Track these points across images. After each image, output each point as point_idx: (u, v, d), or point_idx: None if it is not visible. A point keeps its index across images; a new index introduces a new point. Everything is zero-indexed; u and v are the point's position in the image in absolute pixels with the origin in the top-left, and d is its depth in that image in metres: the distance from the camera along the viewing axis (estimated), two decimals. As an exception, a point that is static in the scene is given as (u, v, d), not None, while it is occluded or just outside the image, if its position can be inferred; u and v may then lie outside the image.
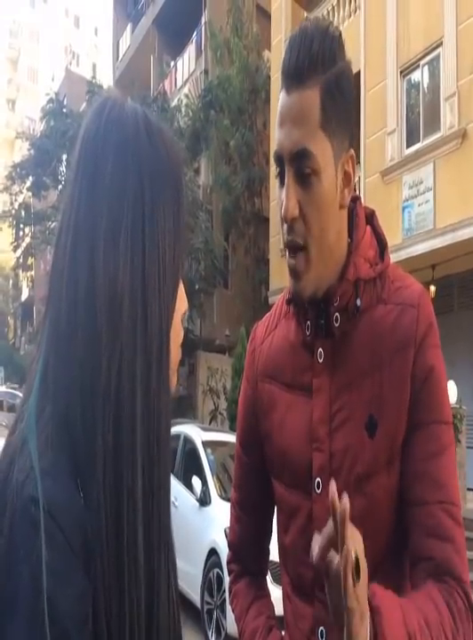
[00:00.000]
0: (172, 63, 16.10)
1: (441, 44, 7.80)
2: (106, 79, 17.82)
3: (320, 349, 0.95)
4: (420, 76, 8.30)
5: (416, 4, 8.13)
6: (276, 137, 0.90)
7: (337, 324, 0.93)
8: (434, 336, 0.92)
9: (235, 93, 12.18)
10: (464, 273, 8.05)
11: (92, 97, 15.55)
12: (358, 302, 0.92)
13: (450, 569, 0.84)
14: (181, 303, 0.67)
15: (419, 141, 8.12)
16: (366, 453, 0.90)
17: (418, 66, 8.28)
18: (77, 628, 0.50)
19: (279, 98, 0.90)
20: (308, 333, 0.97)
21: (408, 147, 8.27)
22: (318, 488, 0.93)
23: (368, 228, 0.98)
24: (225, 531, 4.90)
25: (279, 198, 0.91)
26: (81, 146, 0.62)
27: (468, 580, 0.85)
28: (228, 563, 1.15)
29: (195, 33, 14.95)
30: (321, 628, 0.93)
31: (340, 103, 0.89)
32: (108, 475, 0.55)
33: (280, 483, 1.01)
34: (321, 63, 0.86)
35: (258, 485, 1.08)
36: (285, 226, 0.90)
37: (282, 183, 0.90)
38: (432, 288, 7.60)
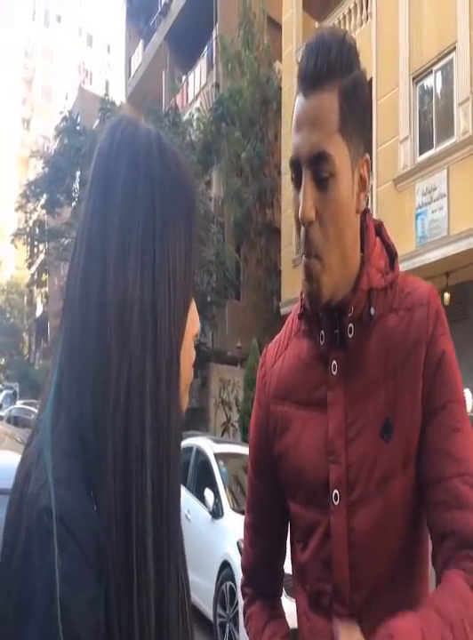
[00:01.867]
0: (184, 78, 16.30)
1: (454, 48, 7.78)
2: (118, 96, 18.06)
3: (334, 361, 0.96)
4: (433, 81, 8.28)
5: (429, 9, 8.13)
6: (293, 141, 0.90)
7: (351, 335, 0.94)
8: (443, 326, 0.93)
9: (246, 105, 12.24)
10: (480, 280, 7.93)
11: (105, 114, 15.78)
12: (372, 311, 0.93)
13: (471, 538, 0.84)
14: (193, 324, 0.67)
15: (432, 148, 8.07)
16: (383, 458, 0.91)
17: (431, 72, 8.26)
18: (90, 636, 0.52)
19: (295, 102, 0.91)
20: (322, 344, 0.97)
21: (421, 154, 8.23)
22: (336, 500, 0.94)
23: (377, 239, 0.99)
24: (238, 543, 4.83)
25: (295, 202, 0.91)
26: (94, 163, 0.63)
27: None
28: (243, 586, 1.15)
29: (206, 47, 15.16)
30: None
31: (357, 108, 0.90)
32: (118, 485, 0.56)
33: (295, 502, 1.01)
34: (339, 69, 0.87)
35: (271, 508, 1.08)
36: (302, 229, 0.90)
37: (298, 187, 0.90)
38: (447, 295, 7.49)
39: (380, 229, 1.01)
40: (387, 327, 0.94)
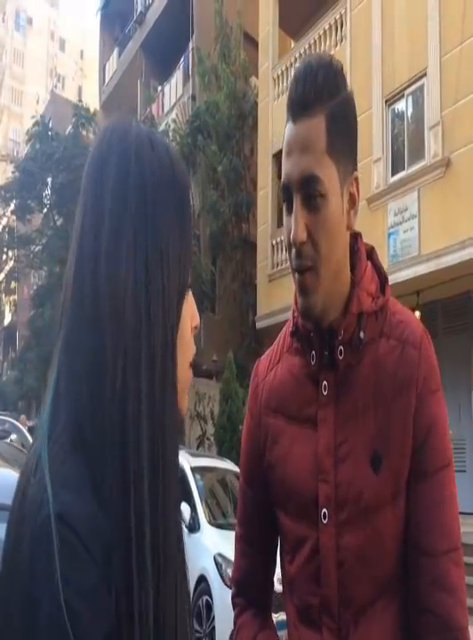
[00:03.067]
0: (160, 88, 16.27)
1: (425, 74, 8.00)
2: (92, 103, 17.91)
3: (324, 382, 0.97)
4: (405, 105, 8.49)
5: (401, 34, 8.35)
6: (284, 167, 0.93)
7: (341, 357, 0.95)
8: (435, 379, 0.95)
9: (222, 119, 12.31)
10: (448, 299, 8.17)
11: (79, 120, 15.68)
12: (362, 335, 0.95)
13: (453, 625, 0.90)
14: (192, 318, 0.66)
15: (404, 169, 8.28)
16: (372, 487, 0.92)
17: (403, 95, 8.47)
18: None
19: (286, 129, 0.93)
20: (313, 364, 0.98)
21: (393, 174, 8.43)
22: (325, 518, 0.95)
23: (368, 263, 1.00)
24: (214, 557, 4.86)
25: (287, 227, 0.93)
26: (88, 166, 0.63)
27: (468, 627, 0.91)
28: (233, 597, 1.15)
29: (182, 58, 15.12)
30: None
31: (344, 129, 0.93)
32: (116, 480, 0.55)
33: (285, 514, 1.01)
34: (327, 93, 0.90)
35: (263, 519, 1.08)
36: (293, 250, 0.92)
37: (289, 211, 0.93)
38: (417, 313, 7.69)
39: (371, 253, 1.03)
40: (377, 352, 0.95)
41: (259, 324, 10.94)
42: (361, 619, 0.94)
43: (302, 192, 0.91)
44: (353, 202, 0.96)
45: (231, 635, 3.71)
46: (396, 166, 8.44)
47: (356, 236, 1.00)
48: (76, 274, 0.60)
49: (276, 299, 10.51)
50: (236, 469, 6.10)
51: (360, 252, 1.00)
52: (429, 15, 7.80)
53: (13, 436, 6.97)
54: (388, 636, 0.95)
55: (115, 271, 0.58)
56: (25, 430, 2.57)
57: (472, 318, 8.01)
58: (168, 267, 0.61)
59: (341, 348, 0.95)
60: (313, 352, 0.98)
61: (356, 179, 0.96)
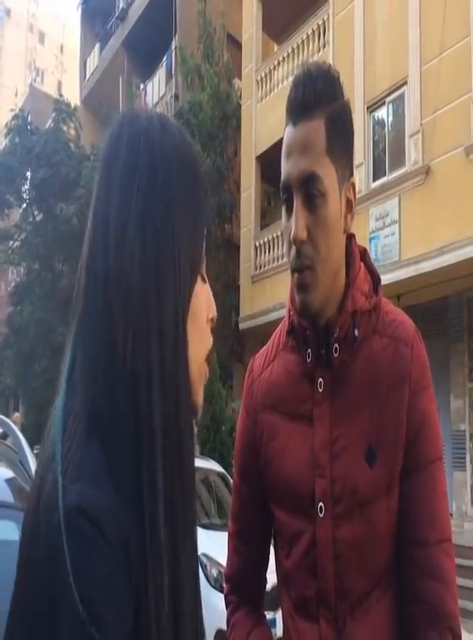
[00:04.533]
0: (142, 86, 16.20)
1: (405, 82, 8.10)
2: (72, 98, 17.73)
3: (320, 379, 0.99)
4: (386, 112, 8.62)
5: (382, 43, 8.46)
6: (284, 167, 0.95)
7: (336, 355, 0.98)
8: (426, 376, 0.98)
9: (206, 119, 12.30)
10: (427, 303, 8.34)
11: (60, 115, 15.54)
12: (356, 333, 0.97)
13: (446, 613, 0.94)
14: (209, 308, 0.65)
15: (385, 175, 8.40)
16: (367, 481, 0.95)
17: (384, 103, 8.59)
18: (119, 632, 0.50)
19: (285, 132, 0.96)
20: (309, 361, 1.01)
21: (374, 180, 8.54)
22: (321, 512, 0.97)
23: (362, 264, 1.04)
24: (199, 557, 4.91)
25: (287, 225, 0.96)
26: (101, 150, 0.63)
27: (458, 615, 0.96)
28: (227, 595, 1.16)
29: (165, 57, 15.05)
30: None
31: (343, 134, 0.96)
32: (132, 465, 0.54)
33: (281, 509, 1.03)
34: (326, 98, 0.93)
35: (257, 515, 1.10)
36: (293, 249, 0.94)
37: (289, 210, 0.95)
38: (397, 316, 7.85)
39: (364, 255, 1.05)
40: (371, 350, 0.98)
41: (242, 326, 10.97)
42: (357, 609, 0.97)
43: (303, 191, 0.93)
44: (350, 206, 0.98)
45: (216, 634, 3.79)
46: (378, 172, 8.56)
47: (350, 238, 1.03)
48: (89, 257, 0.59)
49: (259, 300, 10.59)
50: (220, 469, 6.18)
51: (354, 253, 1.03)
52: (410, 25, 7.93)
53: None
54: (383, 625, 0.98)
55: (122, 250, 0.57)
56: (17, 429, 2.55)
57: (450, 323, 8.20)
58: (179, 245, 0.60)
59: (337, 345, 0.98)
60: (309, 350, 1.00)
61: (353, 184, 0.99)
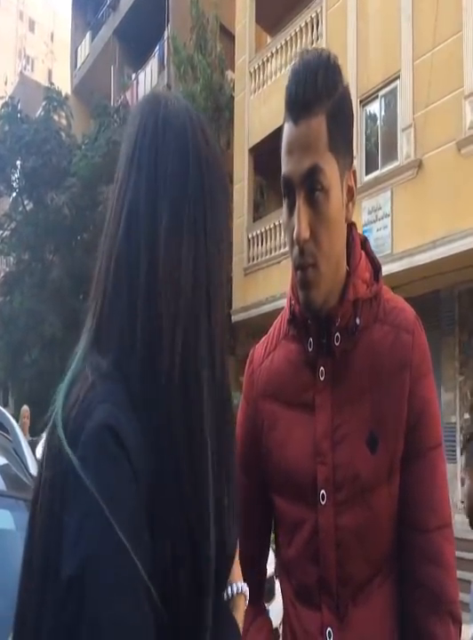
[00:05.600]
0: (134, 76, 16.08)
1: (398, 77, 8.13)
2: (63, 87, 17.57)
3: (321, 368, 1.00)
4: (379, 106, 8.66)
5: (375, 37, 8.48)
6: (285, 163, 0.94)
7: (338, 343, 0.98)
8: (427, 363, 0.99)
9: (198, 111, 12.04)
10: (420, 296, 8.37)
11: (51, 103, 15.39)
12: (358, 321, 0.97)
13: (446, 598, 0.95)
14: None
15: (377, 169, 8.45)
16: (368, 467, 0.95)
17: (377, 97, 8.63)
18: (132, 541, 0.51)
19: (285, 127, 0.94)
20: (310, 350, 1.01)
21: (367, 174, 8.58)
22: (323, 500, 0.97)
23: (362, 252, 1.03)
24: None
25: (289, 223, 0.95)
26: (138, 141, 0.63)
27: (458, 600, 0.97)
28: None
29: (157, 47, 14.95)
30: (329, 628, 0.98)
31: (343, 124, 0.95)
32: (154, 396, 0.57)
33: (282, 498, 1.03)
34: (326, 93, 0.91)
35: (257, 507, 1.10)
36: (296, 247, 0.94)
37: (291, 208, 0.95)
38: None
39: (364, 243, 1.05)
40: (372, 338, 0.98)
41: (234, 318, 10.94)
42: (359, 596, 0.97)
43: (305, 186, 0.92)
44: (351, 194, 0.98)
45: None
46: (370, 165, 8.60)
47: (350, 226, 1.02)
48: (126, 250, 0.60)
49: (252, 293, 10.61)
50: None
51: (355, 242, 1.02)
52: (403, 19, 7.96)
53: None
54: (384, 611, 0.99)
55: (176, 265, 0.59)
56: (10, 416, 2.45)
57: (441, 316, 8.26)
58: (222, 262, 0.64)
59: (338, 334, 0.97)
60: (310, 339, 1.00)
61: (354, 172, 0.98)
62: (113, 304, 0.60)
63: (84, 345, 0.62)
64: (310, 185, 0.91)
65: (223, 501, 0.62)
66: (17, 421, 3.03)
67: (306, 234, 0.91)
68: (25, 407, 8.69)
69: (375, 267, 1.04)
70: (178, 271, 0.59)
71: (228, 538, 0.63)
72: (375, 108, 8.75)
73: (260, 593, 1.17)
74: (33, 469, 2.24)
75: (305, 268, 0.94)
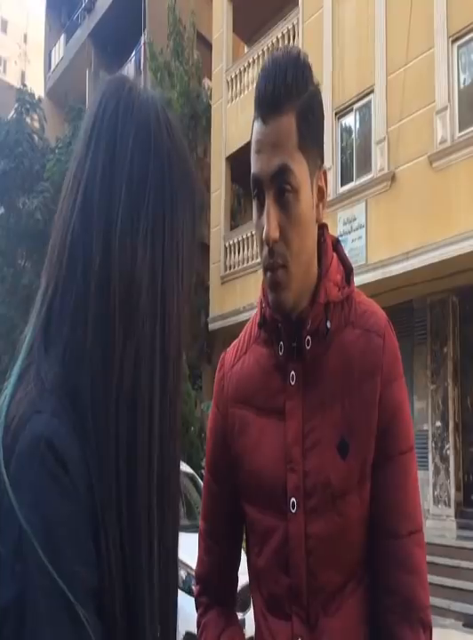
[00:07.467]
0: (109, 80, 15.95)
1: (372, 91, 8.29)
2: (36, 89, 17.37)
3: (292, 372, 0.98)
4: (354, 119, 8.81)
5: (350, 50, 8.63)
6: (254, 162, 0.92)
7: (309, 347, 0.96)
8: (398, 367, 0.97)
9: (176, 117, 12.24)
10: (393, 306, 8.52)
11: (23, 105, 15.18)
12: (328, 324, 0.96)
13: (417, 604, 0.94)
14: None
15: (352, 181, 8.59)
16: (339, 473, 0.94)
17: (351, 109, 8.77)
18: (84, 567, 0.49)
19: (254, 126, 0.93)
20: (281, 354, 0.99)
21: (342, 185, 8.72)
22: (293, 508, 0.95)
23: (334, 254, 1.02)
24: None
25: (258, 222, 0.93)
26: (96, 116, 0.59)
27: (429, 605, 0.97)
28: (197, 596, 1.13)
29: (134, 52, 14.91)
30: (299, 639, 0.97)
31: (313, 123, 0.93)
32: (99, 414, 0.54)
33: (253, 506, 1.02)
34: (295, 91, 0.89)
35: (228, 514, 1.08)
36: (265, 248, 0.92)
37: (260, 207, 0.93)
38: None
39: (336, 245, 1.03)
40: (343, 341, 0.96)
41: (211, 326, 10.99)
42: (330, 605, 0.96)
43: (275, 186, 0.90)
44: (321, 195, 0.96)
45: (185, 637, 3.83)
46: (345, 177, 8.74)
47: (322, 228, 1.01)
48: (79, 247, 0.57)
49: (229, 301, 10.66)
50: (189, 470, 6.23)
51: (327, 244, 1.01)
52: (377, 35, 8.13)
53: None
54: (355, 619, 0.97)
55: (131, 258, 0.56)
56: None
57: (414, 326, 8.41)
58: (182, 260, 0.60)
59: (309, 337, 0.96)
60: (281, 342, 0.99)
61: (325, 172, 0.97)
62: (66, 286, 0.57)
63: (29, 337, 0.59)
64: (280, 185, 0.90)
65: (166, 533, 0.59)
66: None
67: (275, 234, 0.90)
68: None
69: (347, 269, 1.02)
70: (132, 275, 0.56)
71: (168, 568, 0.60)
72: (350, 120, 8.90)
73: (231, 603, 1.15)
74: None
75: (275, 268, 0.93)
